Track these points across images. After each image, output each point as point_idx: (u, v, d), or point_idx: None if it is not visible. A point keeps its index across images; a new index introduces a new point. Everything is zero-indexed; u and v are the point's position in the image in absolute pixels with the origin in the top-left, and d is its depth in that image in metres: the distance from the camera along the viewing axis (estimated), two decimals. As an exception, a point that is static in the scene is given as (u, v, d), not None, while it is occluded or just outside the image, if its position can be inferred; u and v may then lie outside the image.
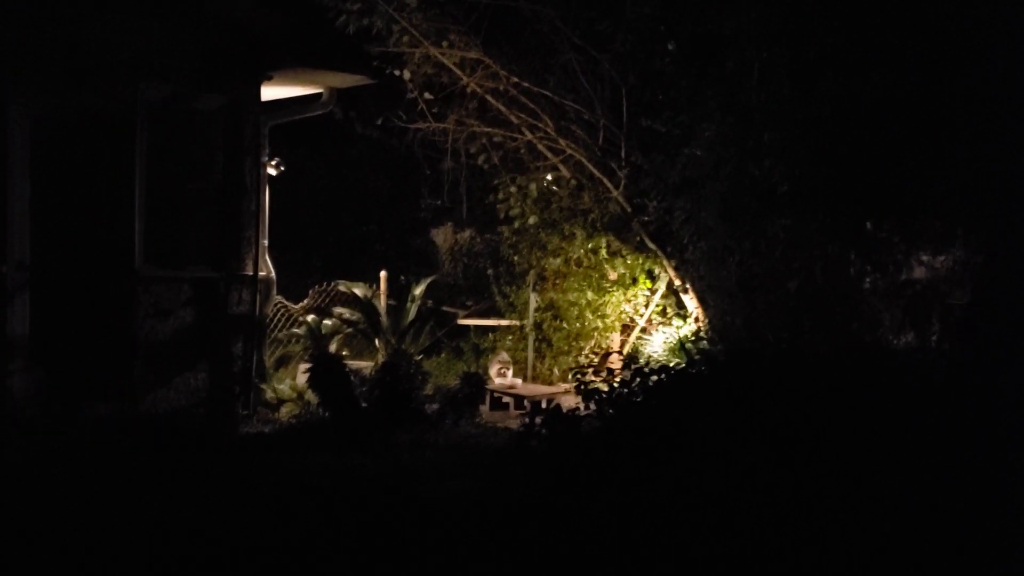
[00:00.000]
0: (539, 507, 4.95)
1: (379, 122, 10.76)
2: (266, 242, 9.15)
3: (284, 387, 8.95)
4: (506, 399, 9.41)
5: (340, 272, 10.41)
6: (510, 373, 9.74)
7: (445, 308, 11.37)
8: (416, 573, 4.72)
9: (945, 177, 8.24)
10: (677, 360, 9.06)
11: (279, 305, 9.79)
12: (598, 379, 5.86)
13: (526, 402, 9.13)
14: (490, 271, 11.90)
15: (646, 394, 5.50)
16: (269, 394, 8.85)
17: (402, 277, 10.01)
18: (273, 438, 8.05)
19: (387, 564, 4.84)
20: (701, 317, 9.69)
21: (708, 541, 4.33)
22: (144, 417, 8.04)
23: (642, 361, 8.65)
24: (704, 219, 9.09)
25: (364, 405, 8.42)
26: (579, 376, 5.81)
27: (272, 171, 9.56)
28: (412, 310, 9.41)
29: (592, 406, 5.48)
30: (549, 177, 10.65)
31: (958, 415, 5.09)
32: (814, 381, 5.32)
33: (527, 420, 5.62)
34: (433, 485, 6.44)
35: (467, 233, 13.95)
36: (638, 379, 5.49)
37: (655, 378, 5.55)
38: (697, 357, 7.08)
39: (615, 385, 5.53)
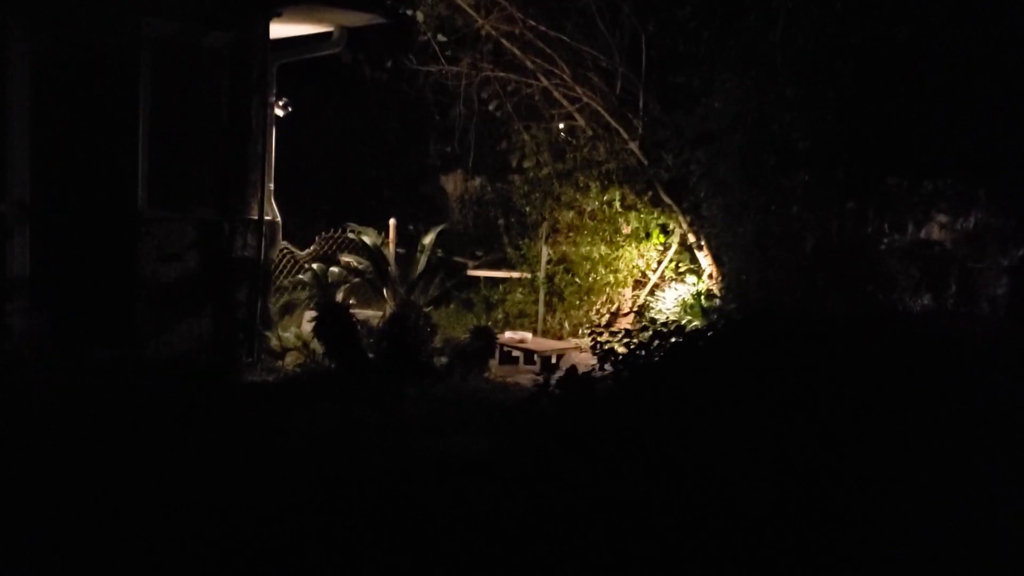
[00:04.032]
0: (547, 471, 4.82)
1: (389, 64, 10.49)
2: (272, 186, 8.95)
3: (289, 335, 8.80)
4: (516, 353, 9.29)
5: (347, 218, 10.19)
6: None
7: (455, 258, 11.17)
8: (411, 531, 4.58)
9: (970, 137, 8.04)
10: (689, 318, 8.91)
11: (285, 251, 9.61)
12: (615, 340, 5.73)
13: (536, 357, 9.01)
14: (501, 221, 11.67)
15: (662, 357, 5.36)
16: (274, 342, 8.71)
17: (410, 226, 9.79)
18: (277, 387, 7.94)
19: (379, 520, 4.70)
20: (715, 274, 9.52)
21: (726, 515, 4.21)
22: (147, 362, 7.93)
23: (655, 317, 8.49)
24: (722, 173, 8.89)
25: (371, 356, 8.29)
26: (595, 335, 5.67)
27: (279, 111, 9.32)
28: (422, 260, 9.22)
29: (608, 367, 5.35)
30: (563, 126, 10.40)
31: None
32: (832, 350, 5.17)
33: (539, 378, 5.48)
34: (436, 440, 6.31)
35: (477, 181, 13.66)
36: (656, 342, 5.34)
37: (673, 340, 5.41)
38: (715, 317, 6.92)
39: (631, 347, 5.39)
